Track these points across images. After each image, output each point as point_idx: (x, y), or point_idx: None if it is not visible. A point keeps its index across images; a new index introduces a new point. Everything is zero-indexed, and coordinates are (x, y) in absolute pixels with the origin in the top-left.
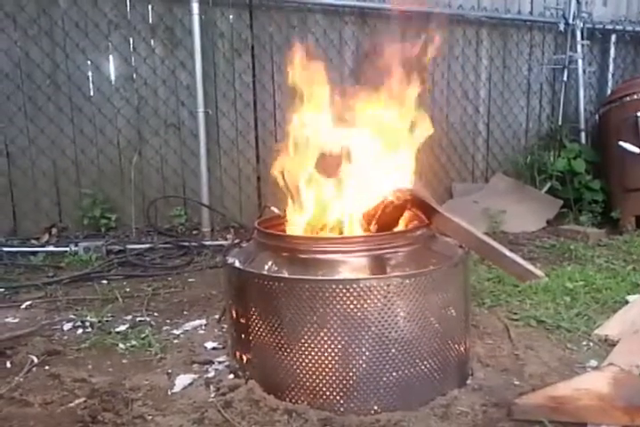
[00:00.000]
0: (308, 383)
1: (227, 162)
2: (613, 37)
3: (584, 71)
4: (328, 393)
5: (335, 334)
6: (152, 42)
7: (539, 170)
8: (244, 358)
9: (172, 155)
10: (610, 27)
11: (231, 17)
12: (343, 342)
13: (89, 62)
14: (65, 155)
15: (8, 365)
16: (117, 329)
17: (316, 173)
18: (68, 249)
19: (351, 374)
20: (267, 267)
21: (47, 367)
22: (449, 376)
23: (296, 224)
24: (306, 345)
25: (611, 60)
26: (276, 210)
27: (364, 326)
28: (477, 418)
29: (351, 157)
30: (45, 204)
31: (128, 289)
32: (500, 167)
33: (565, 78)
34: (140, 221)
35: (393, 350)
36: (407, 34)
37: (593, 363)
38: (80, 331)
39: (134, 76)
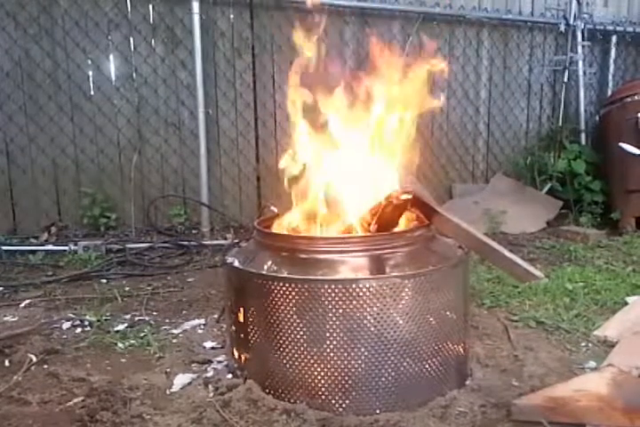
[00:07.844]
0: (306, 383)
1: (227, 161)
2: (614, 38)
3: (584, 72)
4: (327, 393)
5: (334, 334)
6: (152, 41)
7: (539, 171)
8: (243, 357)
9: (171, 154)
10: (610, 28)
11: (232, 16)
12: (342, 342)
13: (89, 61)
14: (65, 154)
15: (7, 363)
16: (116, 328)
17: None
18: (67, 248)
19: (350, 374)
20: (266, 266)
21: (46, 366)
22: (448, 377)
23: (295, 224)
24: (305, 345)
25: (611, 61)
26: (275, 209)
27: (362, 326)
28: (476, 419)
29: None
30: (45, 202)
31: (127, 288)
32: (500, 168)
33: (566, 79)
34: (139, 221)
35: (392, 351)
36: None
37: (592, 364)
38: (79, 330)
39: (134, 75)
